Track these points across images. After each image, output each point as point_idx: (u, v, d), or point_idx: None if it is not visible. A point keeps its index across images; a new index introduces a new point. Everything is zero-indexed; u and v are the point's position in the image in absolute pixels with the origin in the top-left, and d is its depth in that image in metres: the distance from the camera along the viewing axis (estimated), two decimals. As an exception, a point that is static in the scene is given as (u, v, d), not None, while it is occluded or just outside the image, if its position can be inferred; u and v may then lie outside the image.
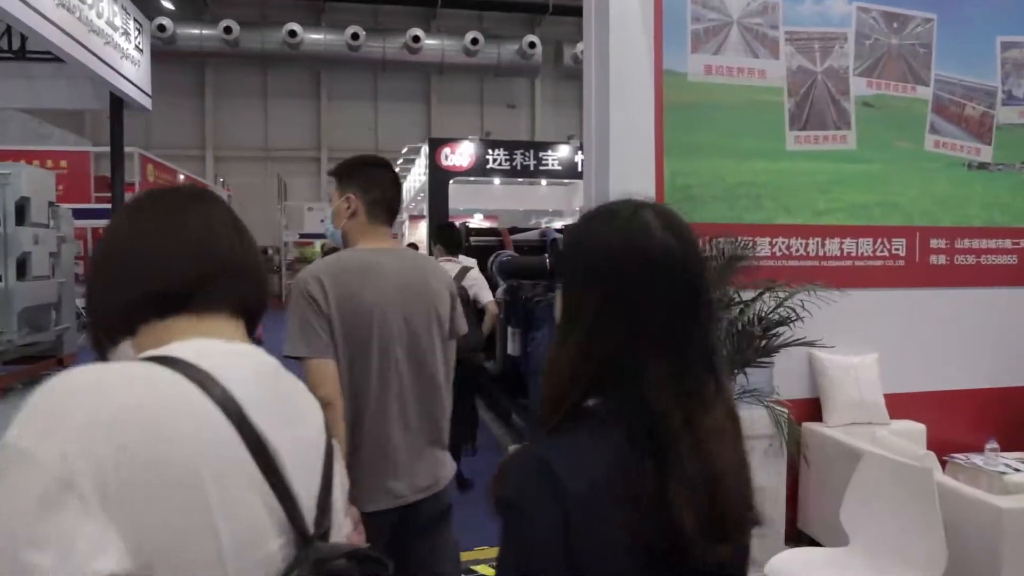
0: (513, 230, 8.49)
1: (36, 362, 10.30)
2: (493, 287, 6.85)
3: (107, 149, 16.56)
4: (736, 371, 3.70)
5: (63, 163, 13.81)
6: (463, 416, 4.60)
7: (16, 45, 10.80)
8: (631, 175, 4.29)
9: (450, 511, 2.32)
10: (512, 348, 7.20)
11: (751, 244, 4.28)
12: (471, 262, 6.25)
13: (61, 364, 10.79)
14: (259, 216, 25.64)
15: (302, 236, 24.43)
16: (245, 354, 1.00)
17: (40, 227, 9.28)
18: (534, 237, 8.40)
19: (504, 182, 21.99)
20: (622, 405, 0.99)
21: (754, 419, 3.71)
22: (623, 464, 0.94)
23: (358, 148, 28.17)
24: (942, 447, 3.96)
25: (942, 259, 5.12)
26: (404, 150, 16.40)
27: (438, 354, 2.25)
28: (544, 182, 22.77)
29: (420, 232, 17.13)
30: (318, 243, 26.11)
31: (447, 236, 6.20)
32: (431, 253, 6.81)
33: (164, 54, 23.83)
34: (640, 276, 1.01)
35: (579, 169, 15.48)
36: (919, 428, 4.54)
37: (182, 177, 16.91)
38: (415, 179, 17.43)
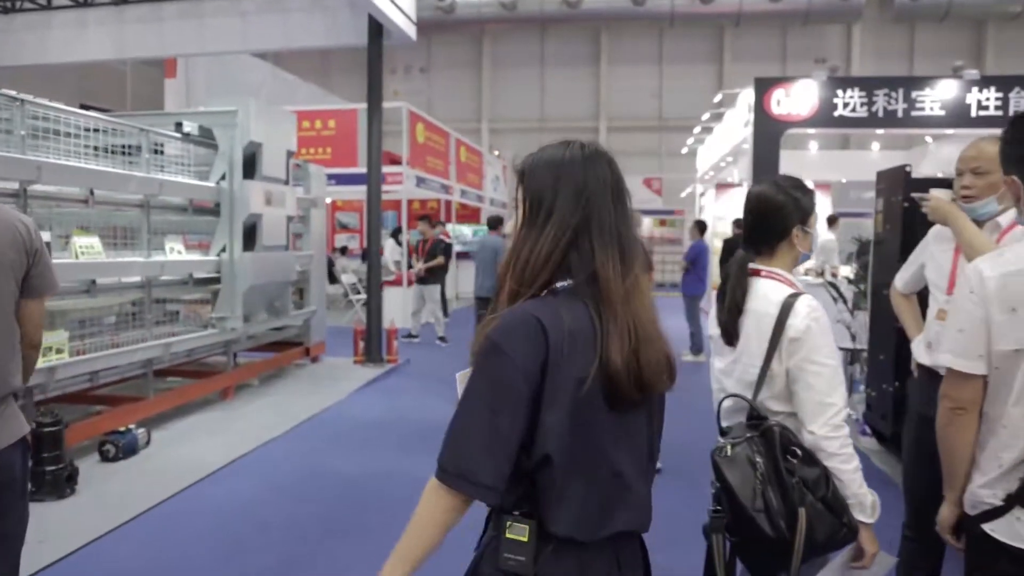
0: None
1: (281, 349, 8.11)
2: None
3: (390, 105, 14.65)
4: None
5: (331, 123, 11.86)
6: None
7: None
8: None
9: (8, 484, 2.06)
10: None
11: None
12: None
13: (308, 354, 8.52)
14: (533, 191, 23.21)
15: (577, 212, 21.48)
16: None
17: (275, 183, 6.87)
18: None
19: (825, 145, 17.09)
20: (584, 283, 1.30)
21: None
22: (584, 321, 1.27)
23: (639, 117, 24.71)
24: None
25: None
26: (718, 98, 12.43)
27: None
28: (877, 147, 17.61)
29: (728, 203, 13.14)
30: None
31: None
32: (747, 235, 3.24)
33: (443, 25, 22.15)
34: (598, 188, 1.33)
35: (973, 114, 10.52)
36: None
37: (454, 139, 14.50)
38: (726, 138, 13.42)
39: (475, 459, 1.23)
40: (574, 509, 1.26)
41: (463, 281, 16.12)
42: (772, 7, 20.19)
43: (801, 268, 10.96)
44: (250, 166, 6.50)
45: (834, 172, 16.08)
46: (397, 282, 12.15)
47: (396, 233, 12.87)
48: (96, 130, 5.15)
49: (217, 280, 6.54)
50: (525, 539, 1.26)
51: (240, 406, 6.67)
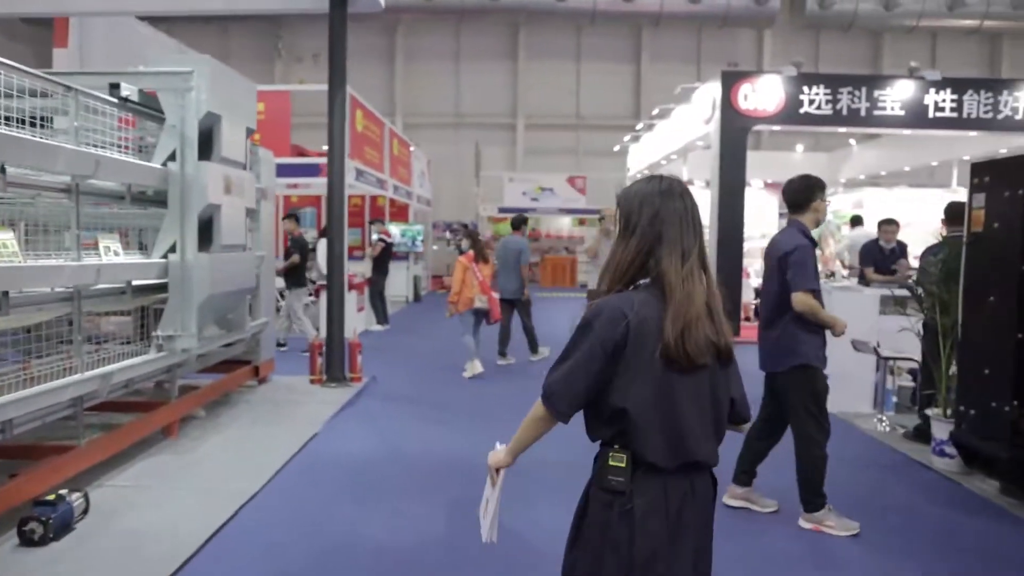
0: None
1: (227, 370, 6.60)
2: None
3: (315, 88, 13.09)
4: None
5: (260, 106, 10.21)
6: None
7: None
8: None
9: None
10: None
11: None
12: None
13: (257, 375, 7.05)
14: (452, 188, 21.98)
15: (501, 210, 20.42)
16: None
17: (234, 166, 5.45)
18: None
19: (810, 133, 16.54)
20: (654, 280, 1.72)
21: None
22: (654, 308, 1.68)
23: (558, 114, 23.81)
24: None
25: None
26: (678, 90, 11.75)
27: None
28: (801, 147, 17.69)
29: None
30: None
31: None
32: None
33: (354, 13, 20.62)
34: (668, 213, 1.74)
35: (930, 115, 10.38)
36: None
37: (388, 129, 13.15)
38: (674, 135, 12.81)
39: (557, 386, 1.73)
40: (656, 442, 1.68)
41: (393, 283, 14.74)
42: (692, 8, 20.03)
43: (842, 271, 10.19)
44: (205, 145, 5.06)
45: (758, 173, 15.92)
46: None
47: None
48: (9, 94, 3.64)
49: (157, 288, 5.06)
50: (623, 465, 1.69)
51: (191, 446, 5.20)
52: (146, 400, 5.50)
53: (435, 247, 20.90)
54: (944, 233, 5.63)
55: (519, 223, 9.06)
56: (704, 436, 1.71)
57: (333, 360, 7.08)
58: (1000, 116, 10.28)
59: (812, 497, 3.91)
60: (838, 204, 15.43)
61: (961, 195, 12.74)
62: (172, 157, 4.89)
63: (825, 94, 10.18)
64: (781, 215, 14.46)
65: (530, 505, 4.13)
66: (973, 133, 10.60)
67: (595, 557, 1.70)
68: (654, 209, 1.73)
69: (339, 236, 7.11)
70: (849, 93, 10.18)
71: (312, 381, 7.20)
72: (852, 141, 15.83)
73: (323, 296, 10.22)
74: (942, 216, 5.73)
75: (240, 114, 5.45)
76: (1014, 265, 4.23)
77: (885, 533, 3.95)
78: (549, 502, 4.07)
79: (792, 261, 3.73)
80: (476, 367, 7.91)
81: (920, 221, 12.63)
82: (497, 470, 1.91)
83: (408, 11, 20.78)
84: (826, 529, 3.90)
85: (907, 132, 10.66)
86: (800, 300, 3.75)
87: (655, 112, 12.91)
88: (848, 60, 21.51)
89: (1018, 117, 10.29)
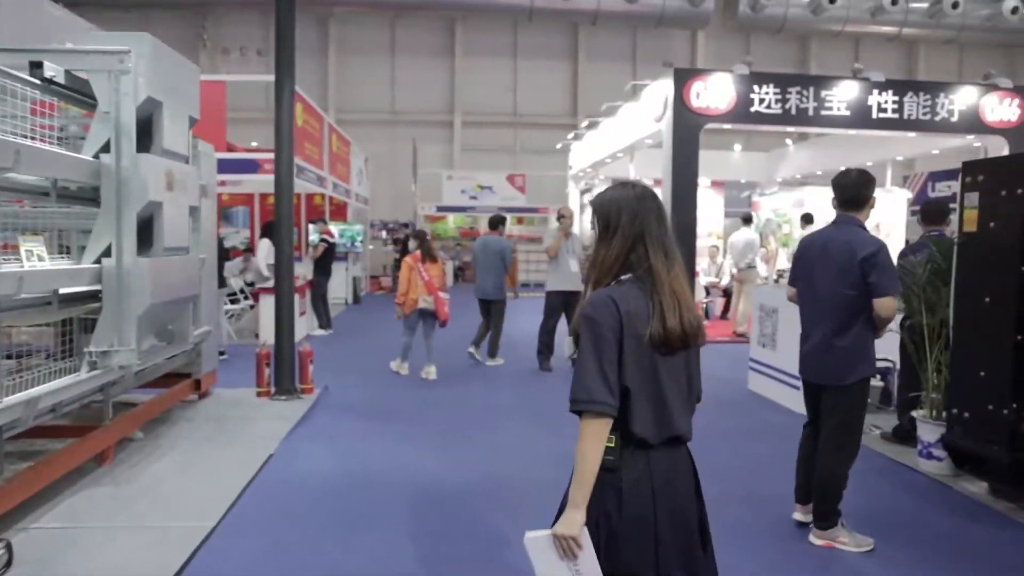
0: None
1: (165, 384, 5.95)
2: None
3: (249, 78, 12.40)
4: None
5: (190, 96, 9.44)
6: None
7: None
8: None
9: None
10: None
11: None
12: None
13: (198, 388, 6.41)
14: (389, 186, 21.32)
15: (440, 209, 19.91)
16: None
17: (177, 159, 4.84)
18: None
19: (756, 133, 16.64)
20: (643, 274, 1.88)
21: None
22: (643, 300, 1.84)
23: (495, 111, 23.47)
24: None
25: None
26: (628, 86, 11.56)
27: None
28: (738, 146, 17.87)
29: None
30: (452, 217, 21.68)
31: None
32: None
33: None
34: (647, 213, 1.90)
35: (874, 116, 10.49)
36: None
37: (327, 124, 12.50)
38: (620, 134, 12.63)
39: (594, 386, 1.78)
40: (647, 421, 1.83)
41: (332, 284, 14.07)
42: (629, 8, 20.00)
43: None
44: (143, 135, 4.45)
45: (700, 171, 15.98)
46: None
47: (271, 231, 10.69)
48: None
49: (86, 296, 4.43)
50: (613, 444, 1.81)
51: (131, 475, 4.60)
52: (75, 424, 4.84)
53: (371, 246, 20.25)
54: (923, 232, 5.55)
55: (497, 222, 8.79)
56: (683, 412, 1.89)
57: (283, 370, 6.51)
58: (937, 118, 10.50)
59: (830, 512, 3.68)
60: (779, 203, 15.65)
61: (896, 194, 13.05)
62: (106, 148, 4.28)
63: (775, 93, 10.15)
64: (727, 215, 14.55)
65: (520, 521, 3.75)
66: (913, 134, 10.81)
67: (589, 525, 1.81)
68: (632, 211, 1.89)
69: (288, 236, 6.54)
70: (798, 93, 10.18)
71: (259, 394, 6.61)
72: (788, 141, 16.06)
73: (263, 301, 9.59)
74: (918, 216, 5.65)
75: (183, 101, 4.85)
76: (1013, 266, 4.12)
77: (887, 541, 3.76)
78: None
79: (878, 263, 3.49)
80: (403, 368, 7.92)
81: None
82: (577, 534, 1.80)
83: (340, 3, 20.07)
84: (839, 546, 3.68)
85: (852, 132, 10.76)
86: (889, 305, 3.51)
87: (603, 108, 12.69)
88: (778, 62, 21.94)
89: (954, 119, 10.54)
